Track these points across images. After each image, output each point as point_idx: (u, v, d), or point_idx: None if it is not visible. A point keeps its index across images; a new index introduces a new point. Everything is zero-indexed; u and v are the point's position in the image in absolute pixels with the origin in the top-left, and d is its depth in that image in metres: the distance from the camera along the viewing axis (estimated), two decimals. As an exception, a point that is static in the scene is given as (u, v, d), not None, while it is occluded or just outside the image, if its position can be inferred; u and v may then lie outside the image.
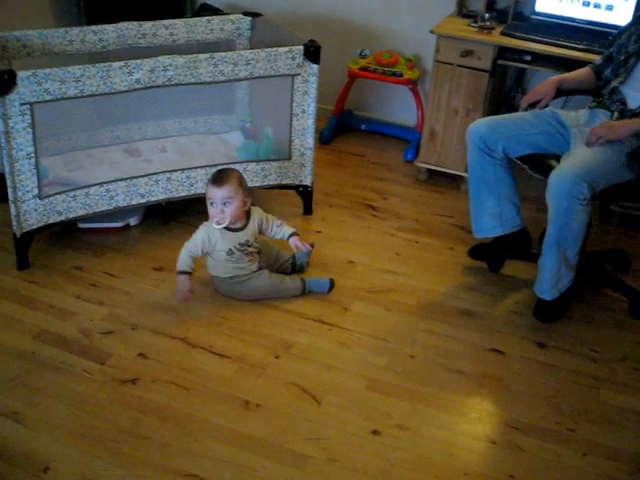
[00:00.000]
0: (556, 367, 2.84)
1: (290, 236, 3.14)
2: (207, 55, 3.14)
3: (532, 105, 3.15)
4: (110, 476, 2.28)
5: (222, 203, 2.91)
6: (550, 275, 2.94)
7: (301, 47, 3.29)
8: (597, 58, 3.25)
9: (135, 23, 3.57)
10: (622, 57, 3.06)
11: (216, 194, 2.91)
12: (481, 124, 3.12)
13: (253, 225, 3.05)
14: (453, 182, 4.10)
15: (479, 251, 3.39)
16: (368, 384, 2.70)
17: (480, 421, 2.59)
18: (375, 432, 2.50)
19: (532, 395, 2.70)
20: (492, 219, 3.20)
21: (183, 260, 2.96)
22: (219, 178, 2.94)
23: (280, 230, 3.14)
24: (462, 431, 2.54)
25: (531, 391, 2.72)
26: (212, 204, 2.94)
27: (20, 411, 2.49)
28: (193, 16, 4.43)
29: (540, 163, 3.07)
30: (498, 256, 3.36)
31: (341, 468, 2.36)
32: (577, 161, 2.80)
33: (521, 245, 3.32)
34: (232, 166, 3.36)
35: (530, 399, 2.69)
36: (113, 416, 2.50)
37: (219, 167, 3.13)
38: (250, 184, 3.46)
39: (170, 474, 2.30)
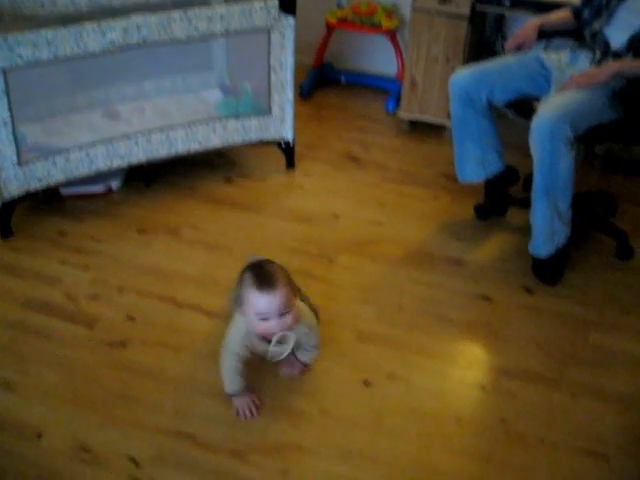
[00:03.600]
0: (544, 311, 2.85)
1: (300, 355, 2.49)
2: (181, 12, 3.09)
3: (517, 49, 3.12)
4: (104, 439, 2.29)
5: (280, 315, 2.20)
6: (542, 227, 2.91)
7: (276, 0, 3.24)
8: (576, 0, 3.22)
9: (106, -18, 3.50)
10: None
11: (271, 306, 2.17)
12: (463, 75, 3.09)
13: (293, 338, 2.32)
14: (436, 131, 4.07)
15: (484, 209, 3.40)
16: (357, 336, 2.71)
17: (470, 368, 2.60)
18: (366, 383, 2.51)
19: (521, 340, 2.72)
20: (475, 165, 3.21)
21: (229, 378, 2.37)
22: (268, 281, 2.18)
23: (305, 353, 2.48)
24: (452, 378, 2.56)
25: (520, 336, 2.73)
26: (265, 319, 2.20)
27: (11, 379, 2.49)
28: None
29: (524, 107, 3.05)
30: (501, 200, 3.39)
31: (334, 420, 2.37)
32: (557, 103, 2.77)
33: (510, 180, 3.35)
34: (212, 123, 3.33)
35: (519, 344, 2.70)
36: (104, 379, 2.50)
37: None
38: (231, 141, 3.45)
39: (164, 434, 2.31)
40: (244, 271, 2.26)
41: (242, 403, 2.39)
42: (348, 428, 2.35)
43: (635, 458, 2.28)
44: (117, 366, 2.55)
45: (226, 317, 2.60)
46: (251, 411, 2.38)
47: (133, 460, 2.23)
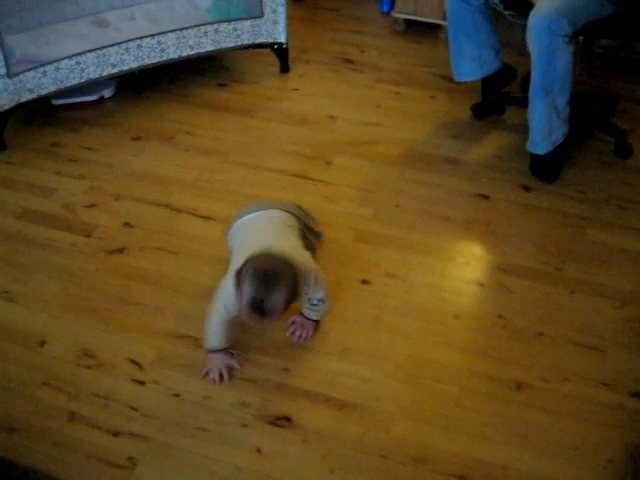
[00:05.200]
0: (542, 209, 2.84)
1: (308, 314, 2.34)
2: None
3: None
4: (106, 343, 2.31)
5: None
6: (540, 125, 2.88)
7: None
8: None
9: None
10: None
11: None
12: None
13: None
14: (431, 31, 3.99)
15: (482, 108, 3.35)
16: (355, 235, 2.71)
17: (468, 265, 2.61)
18: (365, 281, 2.52)
19: (519, 237, 2.72)
20: (471, 63, 3.16)
21: (212, 331, 2.19)
22: (264, 310, 1.98)
23: (313, 309, 2.31)
24: (450, 275, 2.57)
25: (518, 233, 2.73)
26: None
27: (11, 290, 2.50)
28: None
29: (521, 3, 2.97)
30: (498, 98, 3.34)
31: (333, 318, 2.38)
32: (555, -3, 2.71)
33: (507, 78, 3.29)
34: (204, 28, 3.26)
35: (517, 241, 2.70)
36: (104, 286, 2.51)
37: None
38: (223, 45, 3.40)
39: (164, 337, 2.33)
40: (246, 267, 2.00)
41: (218, 362, 2.20)
42: (348, 326, 2.37)
43: (631, 350, 2.30)
44: (116, 273, 2.56)
45: (222, 222, 2.60)
46: (222, 376, 2.20)
47: (135, 363, 2.25)
